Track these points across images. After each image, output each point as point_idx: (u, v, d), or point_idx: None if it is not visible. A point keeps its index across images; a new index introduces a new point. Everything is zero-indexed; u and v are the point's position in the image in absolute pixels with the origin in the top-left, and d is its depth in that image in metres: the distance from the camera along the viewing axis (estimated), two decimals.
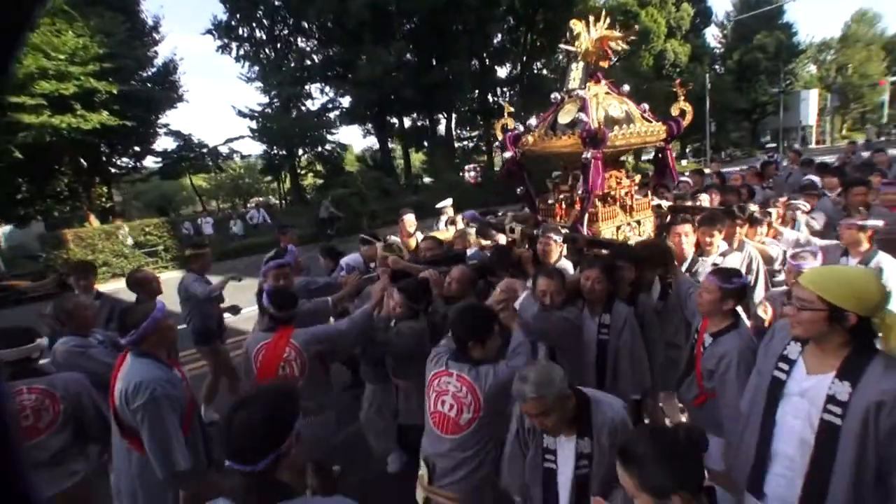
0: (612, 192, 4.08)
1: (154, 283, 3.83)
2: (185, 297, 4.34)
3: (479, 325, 2.15)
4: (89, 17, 13.34)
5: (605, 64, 3.92)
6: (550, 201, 4.40)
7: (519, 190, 4.44)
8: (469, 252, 3.83)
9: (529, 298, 2.64)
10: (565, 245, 3.74)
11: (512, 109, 4.31)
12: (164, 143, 18.99)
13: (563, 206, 4.30)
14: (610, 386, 2.62)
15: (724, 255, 3.29)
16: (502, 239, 4.23)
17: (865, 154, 9.38)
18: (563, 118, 4.06)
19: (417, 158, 33.82)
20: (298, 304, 2.73)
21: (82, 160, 16.15)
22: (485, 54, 27.19)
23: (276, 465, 1.31)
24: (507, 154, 4.36)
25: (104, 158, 17.12)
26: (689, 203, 4.54)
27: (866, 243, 3.18)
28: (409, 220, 5.23)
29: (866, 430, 1.54)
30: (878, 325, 1.59)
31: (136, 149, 17.53)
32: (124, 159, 18.17)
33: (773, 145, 30.84)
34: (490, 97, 29.91)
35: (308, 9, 20.23)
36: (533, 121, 4.31)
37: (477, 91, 28.15)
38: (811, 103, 35.88)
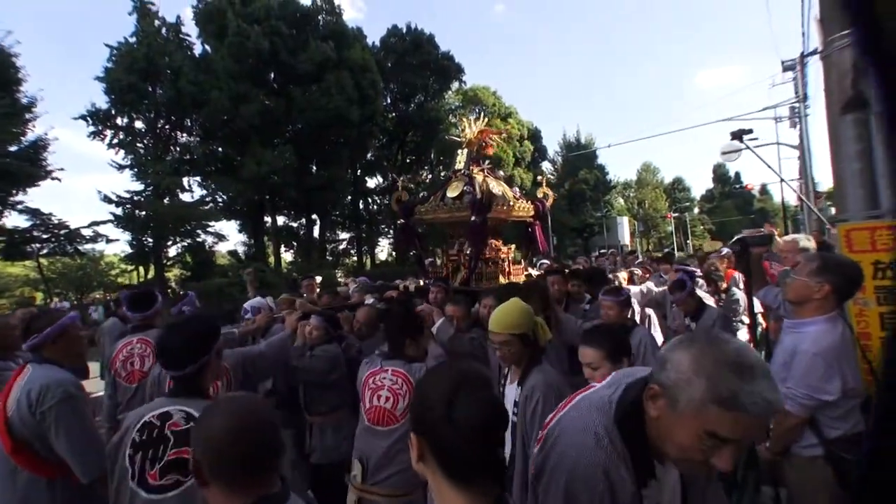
0: (494, 258, 4.79)
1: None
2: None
3: (413, 323, 2.42)
4: None
5: (489, 151, 4.86)
6: (438, 262, 4.96)
7: (412, 253, 4.93)
8: (367, 301, 4.10)
9: (445, 323, 2.97)
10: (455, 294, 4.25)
11: (410, 186, 4.93)
12: (16, 221, 16.18)
13: (450, 268, 4.87)
14: None
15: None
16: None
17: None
18: (451, 193, 4.79)
19: (284, 258, 33.23)
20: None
21: None
22: (359, 165, 29.16)
23: (201, 373, 1.65)
24: (401, 221, 4.91)
25: None
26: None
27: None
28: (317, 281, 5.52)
29: (523, 419, 1.87)
30: (539, 332, 1.99)
31: None
32: None
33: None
34: (361, 204, 31.72)
35: (200, 109, 20.52)
36: (424, 194, 4.99)
37: (350, 198, 29.59)
38: (625, 227, 44.59)
